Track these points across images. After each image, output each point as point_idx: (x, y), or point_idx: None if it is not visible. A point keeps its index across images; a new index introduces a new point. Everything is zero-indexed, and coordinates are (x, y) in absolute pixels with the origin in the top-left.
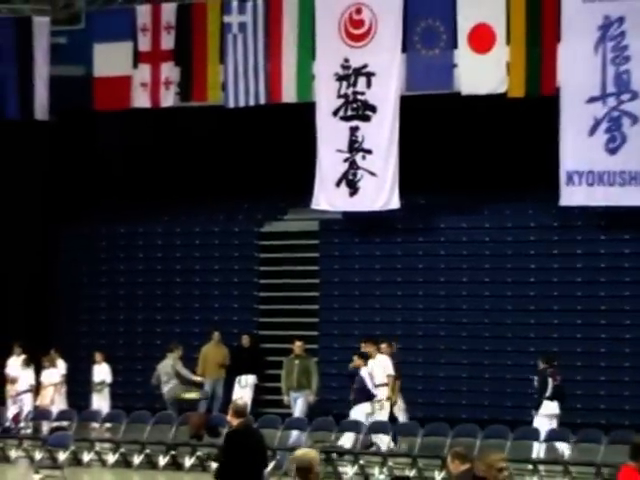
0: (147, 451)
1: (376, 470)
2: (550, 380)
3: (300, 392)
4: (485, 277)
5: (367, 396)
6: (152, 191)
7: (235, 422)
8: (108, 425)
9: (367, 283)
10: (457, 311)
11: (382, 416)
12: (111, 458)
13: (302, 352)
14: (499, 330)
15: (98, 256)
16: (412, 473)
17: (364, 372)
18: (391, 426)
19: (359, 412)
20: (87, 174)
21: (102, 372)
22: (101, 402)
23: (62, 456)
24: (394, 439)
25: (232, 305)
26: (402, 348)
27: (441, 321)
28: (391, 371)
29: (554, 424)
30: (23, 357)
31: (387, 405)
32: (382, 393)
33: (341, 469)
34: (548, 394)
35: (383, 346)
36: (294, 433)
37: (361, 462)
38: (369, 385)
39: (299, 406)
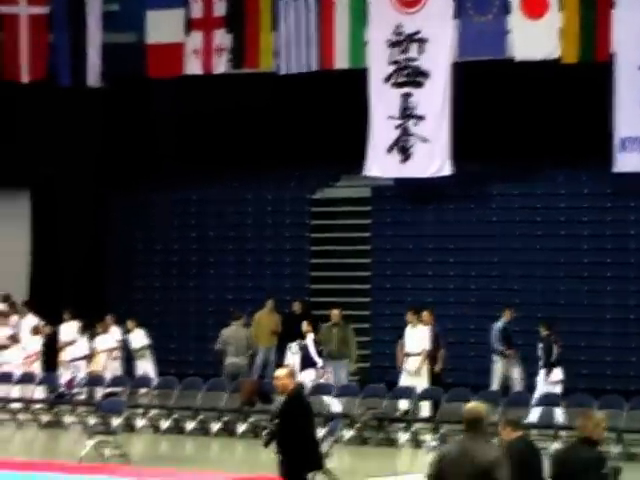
0: (200, 417)
1: (428, 436)
2: (555, 346)
3: (340, 361)
4: (537, 244)
5: (310, 363)
6: (204, 159)
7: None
8: (144, 391)
9: (419, 250)
10: (509, 279)
11: (422, 383)
12: (164, 424)
13: (340, 320)
14: (551, 297)
15: (152, 223)
16: None
17: (309, 340)
18: (433, 392)
19: (305, 378)
20: (140, 141)
21: (138, 338)
22: (146, 367)
23: (115, 422)
24: (435, 406)
25: (284, 272)
26: (454, 315)
27: (493, 288)
28: (426, 344)
29: (558, 390)
30: (77, 323)
31: (424, 373)
32: (414, 363)
33: (394, 435)
34: (553, 360)
35: (425, 314)
36: (330, 399)
37: (413, 429)
38: (312, 353)
39: (340, 375)
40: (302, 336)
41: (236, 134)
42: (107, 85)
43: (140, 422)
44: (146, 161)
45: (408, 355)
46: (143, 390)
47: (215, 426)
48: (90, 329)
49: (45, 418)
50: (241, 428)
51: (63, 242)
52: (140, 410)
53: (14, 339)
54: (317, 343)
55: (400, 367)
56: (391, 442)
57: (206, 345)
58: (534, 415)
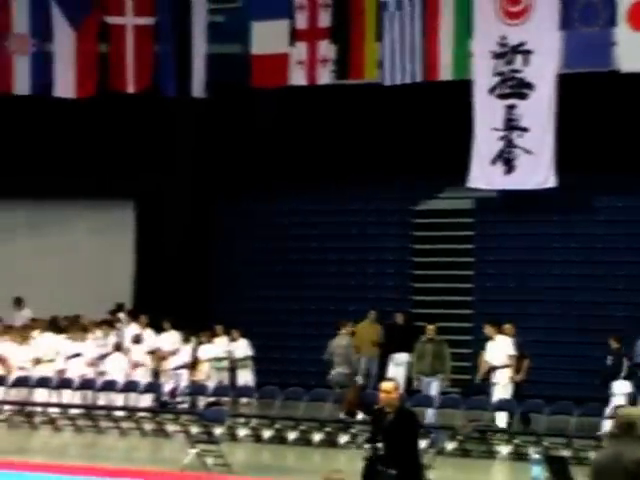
0: (301, 427)
1: (530, 449)
2: (625, 360)
3: (434, 377)
4: None
5: None
6: (307, 169)
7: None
8: (246, 401)
9: (522, 262)
10: (614, 291)
11: (506, 394)
12: (266, 434)
13: (435, 335)
14: None
15: (256, 234)
16: (567, 453)
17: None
18: (517, 405)
19: None
20: (244, 151)
21: (242, 348)
22: (247, 377)
23: (218, 431)
24: (524, 419)
25: (387, 283)
26: (557, 328)
27: (599, 302)
28: (512, 351)
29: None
30: (177, 333)
31: (509, 385)
32: (503, 375)
33: (496, 448)
34: (623, 374)
35: (507, 327)
36: (429, 412)
37: (515, 441)
38: None
39: (433, 391)
40: (404, 348)
41: (340, 145)
42: (211, 95)
43: (242, 432)
44: (250, 171)
45: (494, 368)
46: (245, 400)
47: (317, 436)
48: (194, 338)
49: (148, 426)
50: (343, 439)
51: (167, 252)
52: (242, 420)
53: (118, 347)
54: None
55: (481, 379)
56: (493, 454)
57: (307, 356)
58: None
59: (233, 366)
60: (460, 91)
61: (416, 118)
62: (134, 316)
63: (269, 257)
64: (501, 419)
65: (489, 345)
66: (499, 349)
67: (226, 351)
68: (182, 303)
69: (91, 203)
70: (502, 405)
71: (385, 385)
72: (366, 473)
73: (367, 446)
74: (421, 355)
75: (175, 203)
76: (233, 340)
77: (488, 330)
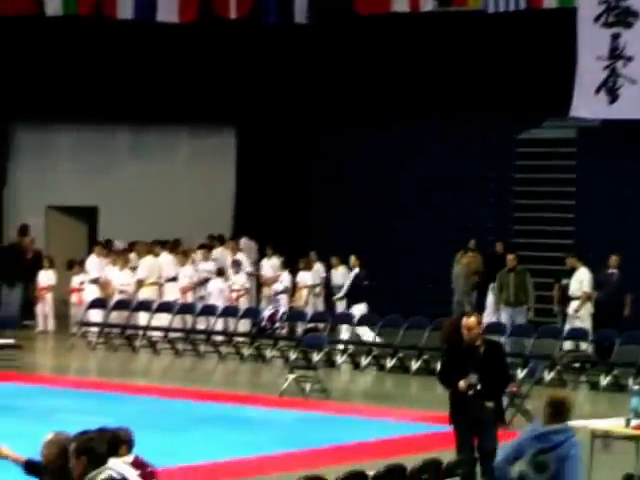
0: (399, 355)
1: (630, 380)
2: None
3: (516, 307)
4: None
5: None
6: (411, 98)
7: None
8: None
9: (623, 192)
10: None
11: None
12: (364, 361)
13: (516, 266)
14: None
15: (358, 162)
16: None
17: (353, 274)
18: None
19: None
20: (345, 79)
21: (341, 275)
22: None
23: (316, 357)
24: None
25: (488, 213)
26: None
27: None
28: (587, 288)
29: None
30: (278, 259)
31: (586, 316)
32: (574, 306)
33: (595, 379)
34: None
35: (613, 258)
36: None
37: (615, 372)
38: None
39: (519, 321)
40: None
41: (443, 74)
42: (313, 22)
43: (340, 358)
44: (352, 99)
45: (570, 298)
46: (343, 327)
47: (415, 364)
48: (293, 265)
49: (247, 351)
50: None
51: (268, 179)
52: (340, 346)
53: (219, 272)
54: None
55: (556, 310)
56: (592, 385)
57: (405, 283)
58: None
59: (331, 294)
60: (564, 19)
61: (519, 46)
62: (235, 243)
63: (372, 186)
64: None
65: (574, 275)
66: (578, 281)
67: (322, 278)
68: (282, 230)
69: (193, 129)
70: (574, 334)
71: (467, 321)
72: (461, 407)
73: (469, 379)
74: (503, 285)
75: (276, 130)
76: (332, 267)
77: (570, 262)
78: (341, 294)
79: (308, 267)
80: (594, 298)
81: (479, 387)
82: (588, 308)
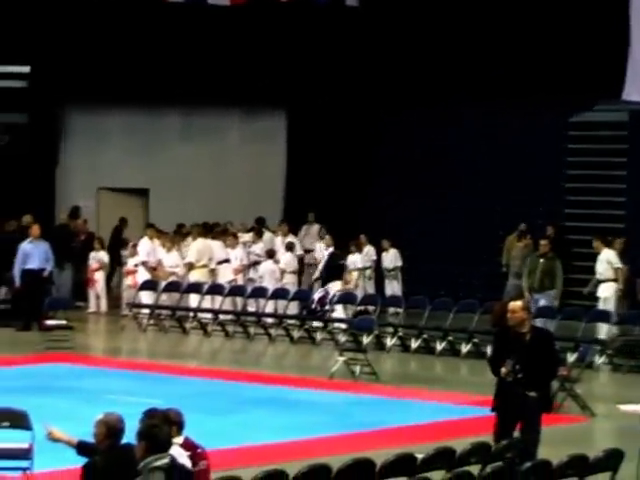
0: (449, 338)
1: None
2: None
3: (542, 293)
4: None
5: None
6: (465, 81)
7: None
8: (394, 310)
9: None
10: None
11: (608, 307)
12: (414, 344)
13: (548, 251)
14: None
15: (409, 143)
16: None
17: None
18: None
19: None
20: (398, 61)
21: (392, 258)
22: (395, 287)
23: (366, 340)
24: None
25: (539, 196)
26: None
27: None
28: (619, 264)
29: None
30: (327, 240)
31: (612, 298)
32: (607, 289)
33: None
34: None
35: (618, 241)
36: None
37: None
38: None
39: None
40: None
41: (495, 57)
42: (364, 4)
43: (390, 341)
44: (405, 81)
45: (598, 282)
46: (393, 310)
47: (464, 347)
48: (343, 248)
49: (297, 334)
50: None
51: (318, 161)
52: (390, 329)
53: (269, 254)
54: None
55: (587, 292)
56: None
57: (455, 267)
58: None
59: (381, 276)
60: (618, 3)
61: (573, 30)
62: (286, 224)
63: (422, 169)
64: (602, 331)
65: (599, 258)
66: (604, 262)
67: (372, 260)
68: (332, 212)
69: (244, 111)
70: (600, 317)
71: (512, 305)
72: (502, 394)
73: (506, 365)
74: (532, 270)
75: (327, 112)
76: (383, 250)
77: (596, 244)
78: (317, 274)
79: (358, 249)
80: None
81: (520, 375)
82: (613, 287)
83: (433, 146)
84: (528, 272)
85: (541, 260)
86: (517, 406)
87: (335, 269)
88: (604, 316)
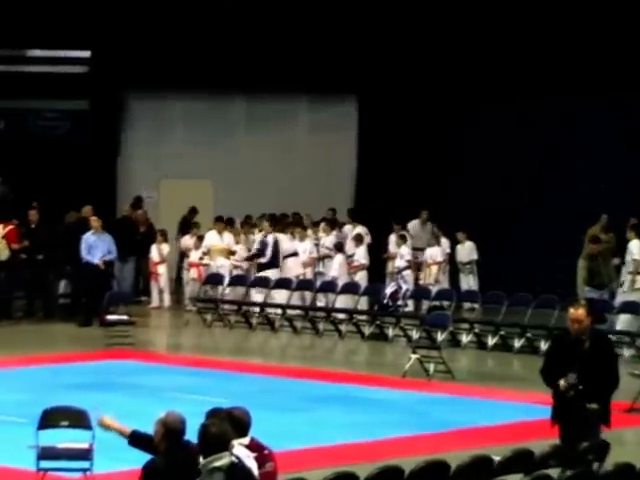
0: (527, 335)
1: None
2: None
3: (598, 289)
4: None
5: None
6: (544, 78)
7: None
8: (469, 306)
9: None
10: None
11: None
12: (490, 341)
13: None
14: None
15: (485, 137)
16: None
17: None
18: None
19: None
20: (477, 53)
21: (468, 251)
22: (470, 281)
23: (440, 336)
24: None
25: (619, 186)
26: None
27: None
28: (637, 255)
29: None
30: (401, 233)
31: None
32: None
33: None
34: None
35: None
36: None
37: None
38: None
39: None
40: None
41: (572, 55)
42: None
43: (465, 338)
44: (485, 75)
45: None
46: (468, 305)
47: (544, 345)
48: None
49: (368, 330)
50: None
51: (391, 151)
52: (466, 325)
53: (339, 247)
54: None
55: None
56: None
57: (534, 261)
58: None
59: (455, 270)
60: None
61: None
62: (356, 215)
63: (500, 159)
64: (623, 322)
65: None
66: (632, 254)
67: (447, 253)
68: (404, 204)
69: (312, 98)
70: (625, 308)
71: (573, 313)
72: (561, 408)
73: (568, 379)
74: (587, 265)
75: (401, 99)
76: (458, 243)
77: (629, 234)
78: (265, 260)
79: (437, 242)
80: None
81: (580, 387)
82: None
83: (512, 139)
84: (582, 267)
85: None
86: (577, 419)
87: (274, 255)
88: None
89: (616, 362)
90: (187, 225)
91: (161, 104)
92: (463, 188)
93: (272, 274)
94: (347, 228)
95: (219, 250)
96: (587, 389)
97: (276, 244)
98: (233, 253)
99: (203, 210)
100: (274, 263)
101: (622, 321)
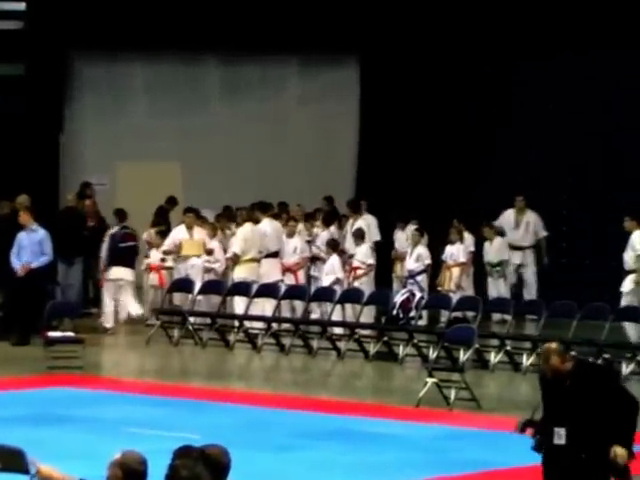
0: (574, 353)
1: None
2: None
3: None
4: None
5: None
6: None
7: None
8: (499, 317)
9: None
10: None
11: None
12: (525, 361)
13: None
14: None
15: (534, 102)
16: None
17: None
18: None
19: None
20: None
21: (497, 250)
22: (500, 287)
23: (463, 356)
24: None
25: None
26: None
27: None
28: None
29: None
30: (414, 229)
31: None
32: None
33: None
34: None
35: None
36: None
37: None
38: None
39: None
40: None
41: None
42: None
43: (495, 357)
44: (522, 29)
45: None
46: (498, 316)
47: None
48: (433, 236)
49: (373, 348)
50: (629, 368)
51: (401, 124)
52: (495, 342)
53: (333, 246)
54: None
55: None
56: None
57: (582, 261)
58: None
59: (482, 273)
60: None
61: None
62: (356, 207)
63: (542, 132)
64: (630, 330)
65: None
66: (631, 248)
67: (471, 252)
68: (415, 191)
69: (304, 60)
70: (624, 314)
71: (544, 348)
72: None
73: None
74: None
75: (412, 61)
76: (486, 240)
77: (628, 224)
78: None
79: (460, 238)
80: None
81: (583, 456)
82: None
83: (553, 108)
84: None
85: None
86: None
87: (115, 251)
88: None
89: (618, 384)
90: (163, 217)
91: (116, 68)
92: (494, 170)
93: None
94: (349, 223)
95: (191, 246)
96: (580, 445)
97: None
98: (210, 252)
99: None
100: None
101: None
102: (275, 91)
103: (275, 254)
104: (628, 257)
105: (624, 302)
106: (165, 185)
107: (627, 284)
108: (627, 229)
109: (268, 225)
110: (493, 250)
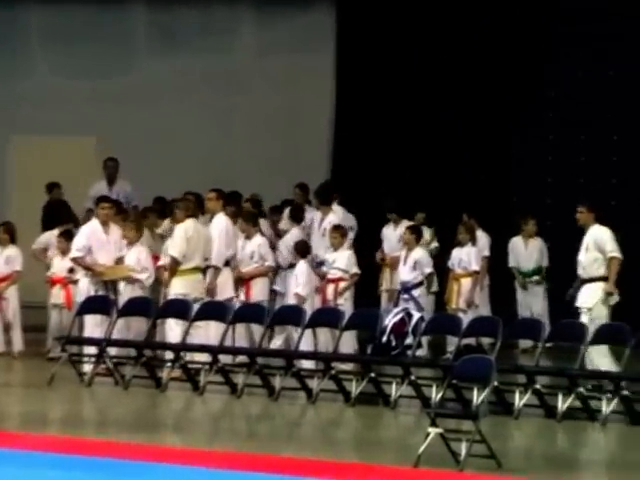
0: (624, 393)
1: None
2: None
3: None
4: None
5: None
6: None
7: None
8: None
9: None
10: None
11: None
12: (561, 404)
13: None
14: None
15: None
16: None
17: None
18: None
19: None
20: None
21: (533, 255)
22: (533, 302)
23: (477, 397)
24: None
25: None
26: None
27: None
28: (614, 252)
29: None
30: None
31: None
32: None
33: None
34: None
35: None
36: None
37: None
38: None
39: None
40: None
41: None
42: None
43: (521, 399)
44: None
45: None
46: (526, 343)
47: None
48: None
49: (356, 388)
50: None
51: (388, 86)
52: (522, 378)
53: (301, 250)
54: None
55: None
56: None
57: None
58: None
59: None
60: None
61: None
62: (326, 197)
63: (576, 107)
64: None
65: None
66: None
67: (485, 257)
68: (412, 174)
69: (263, 5)
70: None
71: None
72: None
73: None
74: None
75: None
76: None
77: (584, 217)
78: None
79: (471, 238)
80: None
81: None
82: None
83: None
84: None
85: None
86: None
87: None
88: None
89: None
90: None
91: (11, 14)
92: (521, 146)
93: None
94: (316, 216)
95: (118, 269)
96: None
97: None
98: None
99: (80, 186)
100: None
101: (597, 356)
102: (223, 45)
103: (226, 262)
104: (587, 260)
105: (587, 319)
106: (76, 167)
107: (591, 296)
108: (581, 223)
109: (223, 222)
110: (529, 252)
